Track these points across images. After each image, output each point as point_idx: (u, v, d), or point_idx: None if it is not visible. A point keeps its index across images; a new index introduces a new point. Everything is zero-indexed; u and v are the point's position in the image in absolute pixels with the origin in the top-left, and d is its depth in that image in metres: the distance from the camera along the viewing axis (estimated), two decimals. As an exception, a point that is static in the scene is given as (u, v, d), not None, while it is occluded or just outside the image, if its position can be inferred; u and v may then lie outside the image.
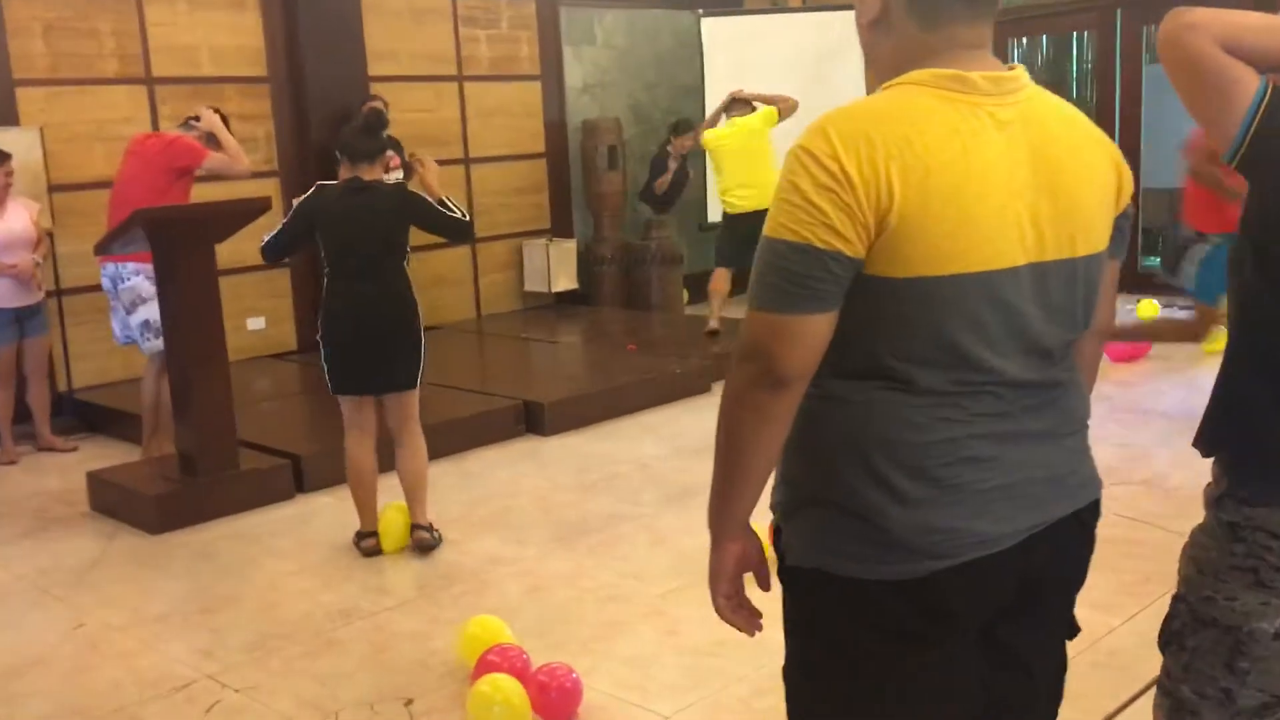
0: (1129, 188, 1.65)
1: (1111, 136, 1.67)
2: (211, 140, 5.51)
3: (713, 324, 7.46)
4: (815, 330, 1.46)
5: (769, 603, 1.67)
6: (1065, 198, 1.53)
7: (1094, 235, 1.58)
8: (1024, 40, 9.75)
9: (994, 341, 1.50)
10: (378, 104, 6.94)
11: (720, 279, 7.54)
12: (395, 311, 4.25)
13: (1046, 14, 9.40)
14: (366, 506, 4.43)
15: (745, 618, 1.69)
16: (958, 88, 1.50)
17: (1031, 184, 1.51)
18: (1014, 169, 1.50)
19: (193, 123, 5.59)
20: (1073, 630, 1.75)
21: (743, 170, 7.35)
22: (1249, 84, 1.60)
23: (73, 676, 3.52)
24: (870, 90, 1.61)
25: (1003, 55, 10.46)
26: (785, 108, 7.45)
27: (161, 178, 5.27)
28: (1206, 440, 1.74)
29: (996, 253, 1.48)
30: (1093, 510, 1.67)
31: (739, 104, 7.63)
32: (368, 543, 4.41)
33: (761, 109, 7.52)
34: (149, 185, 5.22)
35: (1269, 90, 1.60)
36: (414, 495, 4.43)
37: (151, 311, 5.24)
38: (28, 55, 6.49)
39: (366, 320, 4.21)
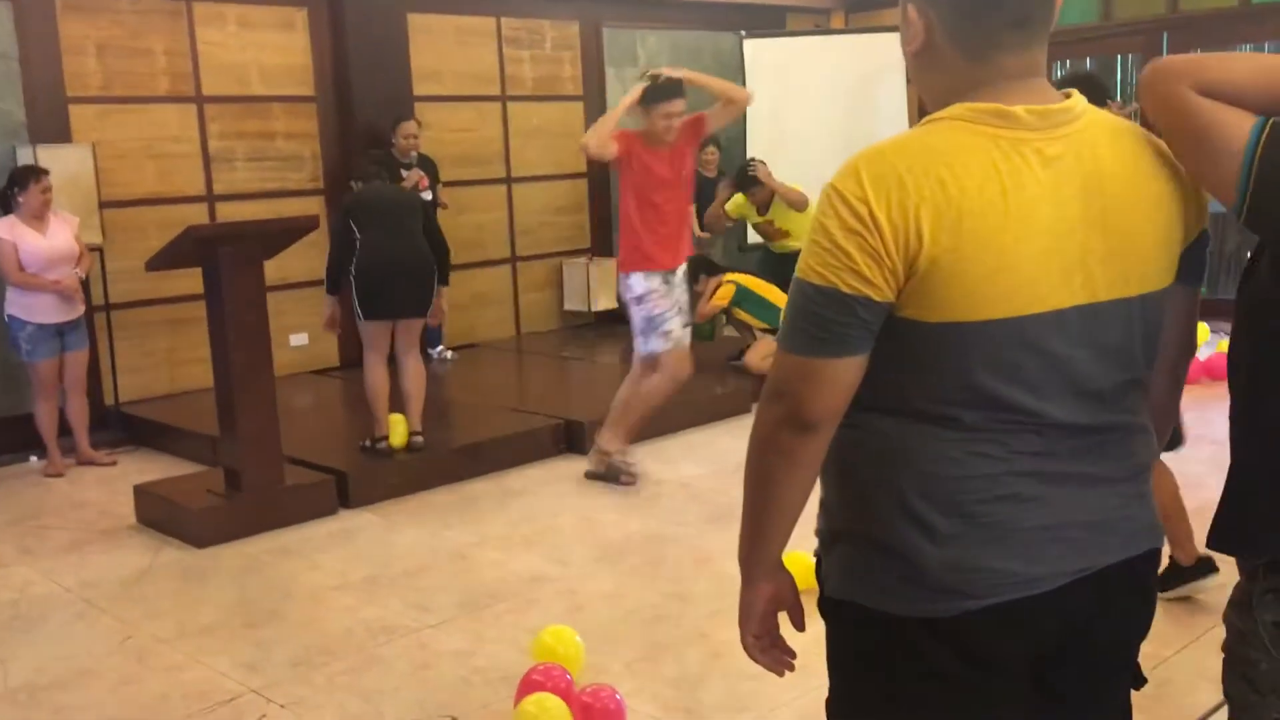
0: (1203, 213, 1.56)
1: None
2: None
3: None
4: (842, 374, 1.43)
5: (815, 627, 1.65)
6: (1119, 235, 1.46)
7: (1152, 272, 1.50)
8: (1068, 63, 9.67)
9: (1032, 385, 1.45)
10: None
11: None
12: (416, 256, 5.40)
13: (1091, 37, 9.33)
14: (382, 415, 5.48)
15: (775, 658, 1.67)
16: (999, 123, 1.42)
17: (1082, 221, 1.44)
18: (1061, 208, 1.43)
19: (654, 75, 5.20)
20: (1138, 680, 1.68)
21: None
22: (1237, 127, 1.47)
23: (119, 689, 3.55)
24: (915, 113, 1.56)
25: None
26: (790, 200, 7.16)
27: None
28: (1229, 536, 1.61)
29: (1037, 297, 1.42)
30: (1149, 559, 1.60)
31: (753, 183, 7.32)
32: (383, 444, 5.47)
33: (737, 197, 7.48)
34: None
35: (1266, 128, 1.46)
36: (412, 406, 5.53)
37: (635, 315, 5.25)
38: (81, 73, 6.60)
39: (394, 263, 5.31)
